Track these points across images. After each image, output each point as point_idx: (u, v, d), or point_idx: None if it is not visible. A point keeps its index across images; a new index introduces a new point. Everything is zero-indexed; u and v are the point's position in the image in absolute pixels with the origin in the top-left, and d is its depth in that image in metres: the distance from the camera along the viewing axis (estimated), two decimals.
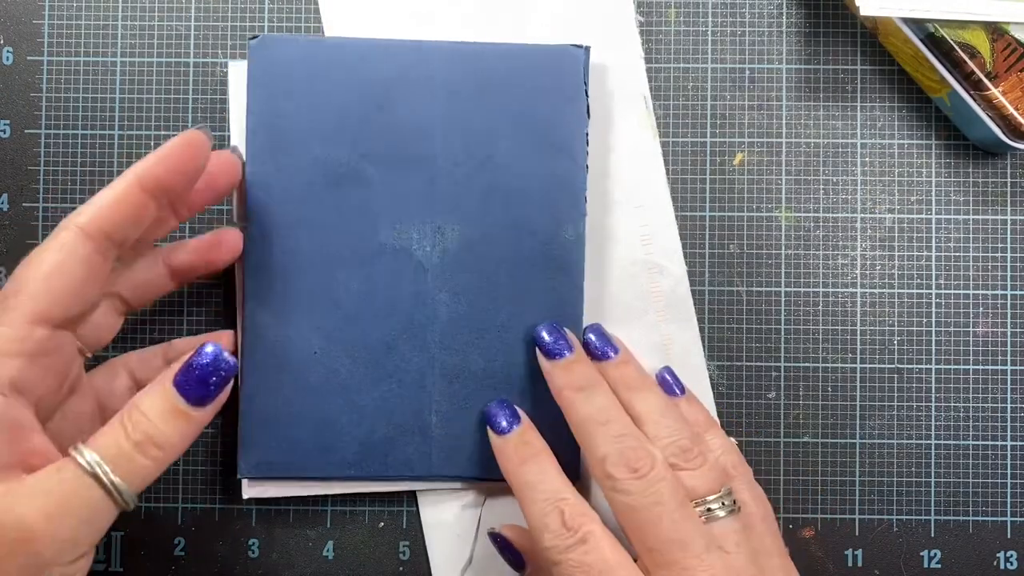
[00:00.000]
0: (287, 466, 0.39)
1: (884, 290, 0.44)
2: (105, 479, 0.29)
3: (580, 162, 0.39)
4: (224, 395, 0.32)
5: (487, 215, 0.39)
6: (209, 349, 0.31)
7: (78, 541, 0.29)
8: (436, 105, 0.39)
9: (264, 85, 0.39)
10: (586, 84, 0.39)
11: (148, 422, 0.30)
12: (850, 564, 0.43)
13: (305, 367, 0.39)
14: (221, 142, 0.44)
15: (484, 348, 0.39)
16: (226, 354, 0.32)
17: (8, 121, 0.44)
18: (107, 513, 0.30)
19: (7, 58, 0.44)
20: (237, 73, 0.42)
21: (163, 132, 0.44)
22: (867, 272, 0.44)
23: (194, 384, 0.31)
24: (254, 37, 0.40)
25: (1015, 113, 0.40)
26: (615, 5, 0.43)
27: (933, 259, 0.44)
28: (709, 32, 0.44)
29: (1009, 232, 0.44)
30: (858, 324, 0.43)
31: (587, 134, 0.39)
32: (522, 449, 0.36)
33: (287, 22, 0.44)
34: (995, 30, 0.41)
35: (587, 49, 0.40)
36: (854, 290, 0.43)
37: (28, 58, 0.44)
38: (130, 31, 0.44)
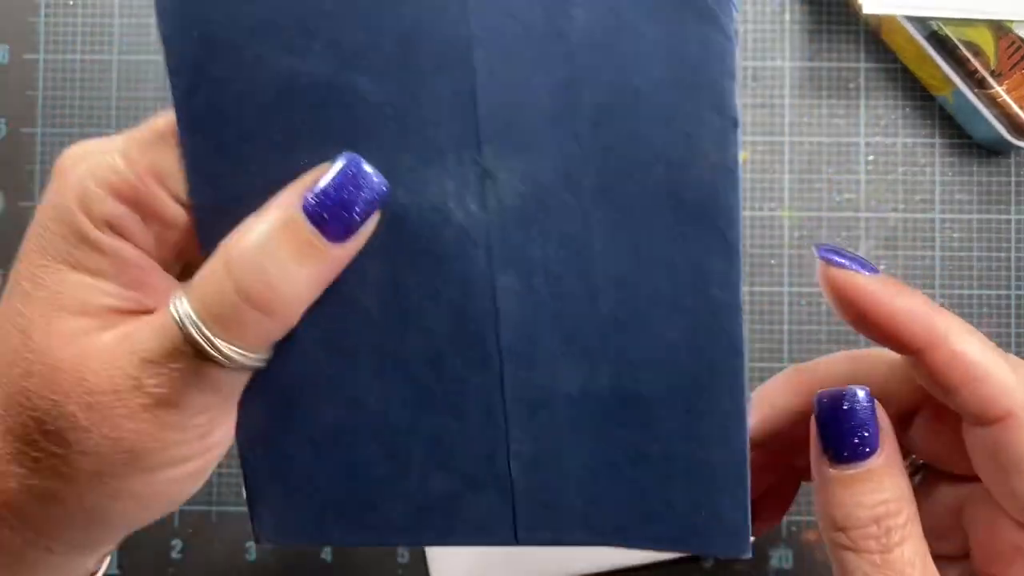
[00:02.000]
0: (317, 531, 0.26)
1: None
2: (203, 342, 0.21)
3: (727, 26, 0.22)
4: (371, 226, 0.23)
5: (565, 137, 0.23)
6: (356, 160, 0.23)
7: (179, 425, 0.22)
8: None
9: None
10: None
11: (267, 262, 0.22)
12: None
13: (317, 397, 0.25)
14: None
15: (580, 357, 0.24)
16: (371, 169, 0.23)
17: (4, 120, 0.43)
18: (216, 385, 0.23)
19: (3, 57, 0.44)
20: None
21: None
22: None
23: (335, 208, 0.22)
24: None
25: (1019, 111, 0.40)
26: None
27: (937, 259, 0.43)
28: None
29: (1014, 231, 0.43)
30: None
31: None
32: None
33: None
34: (999, 28, 0.41)
35: None
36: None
37: (24, 56, 0.44)
38: (126, 29, 0.44)
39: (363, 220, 0.22)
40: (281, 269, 0.22)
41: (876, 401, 0.23)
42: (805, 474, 0.27)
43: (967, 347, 0.23)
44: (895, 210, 0.43)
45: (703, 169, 0.22)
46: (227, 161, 0.23)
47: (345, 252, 0.23)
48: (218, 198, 0.23)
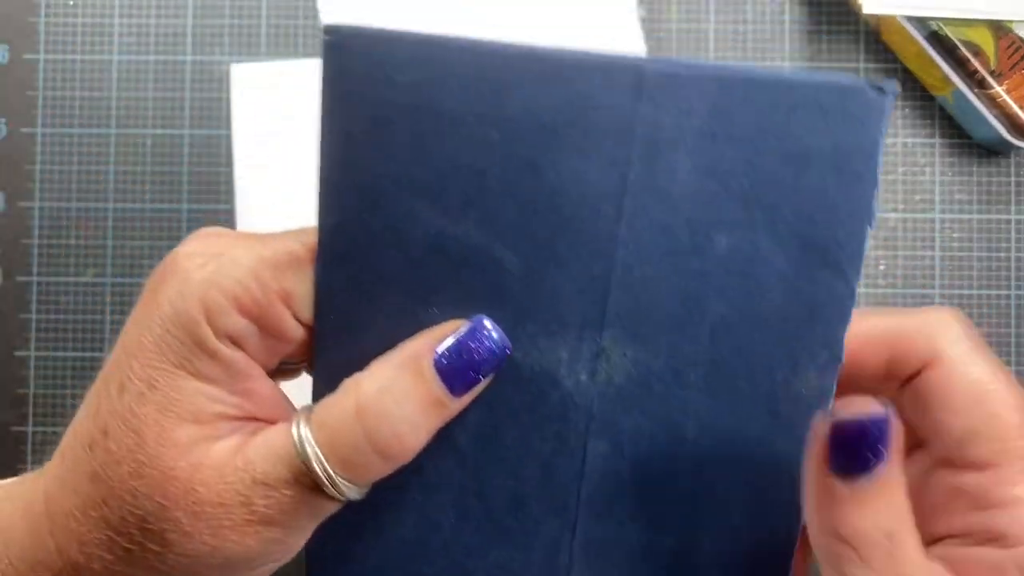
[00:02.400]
0: None
1: (887, 290, 0.43)
2: (325, 479, 0.23)
3: (851, 278, 0.25)
4: (486, 383, 0.25)
5: (683, 339, 0.25)
6: (488, 325, 0.24)
7: (278, 542, 0.24)
8: (624, 163, 0.24)
9: (354, 113, 0.24)
10: (880, 150, 0.24)
11: (395, 411, 0.23)
12: None
13: (396, 516, 0.27)
14: (220, 146, 0.43)
15: (650, 521, 0.26)
16: (497, 332, 0.24)
17: (4, 120, 0.43)
18: (322, 513, 0.24)
19: (3, 56, 0.44)
20: (240, 76, 0.41)
21: (160, 131, 0.43)
22: (870, 272, 0.43)
23: (463, 368, 0.24)
24: (331, 31, 0.24)
25: (1019, 111, 0.40)
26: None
27: (937, 259, 0.43)
28: (711, 28, 0.44)
29: (1014, 232, 0.43)
30: None
31: (868, 233, 0.25)
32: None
33: (286, 20, 0.43)
34: (999, 28, 0.40)
35: (893, 93, 0.24)
36: (857, 289, 0.43)
37: (24, 56, 0.44)
38: (127, 29, 0.44)
39: (485, 379, 0.24)
40: (409, 422, 0.23)
41: (893, 410, 0.23)
42: None
43: (877, 317, 0.25)
44: (895, 210, 0.43)
45: (803, 390, 0.25)
46: (359, 298, 0.25)
47: (462, 404, 0.24)
48: (343, 329, 0.25)
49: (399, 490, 0.26)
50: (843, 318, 0.25)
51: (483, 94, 0.24)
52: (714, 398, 0.25)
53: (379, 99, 0.24)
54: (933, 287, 0.43)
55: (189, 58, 0.44)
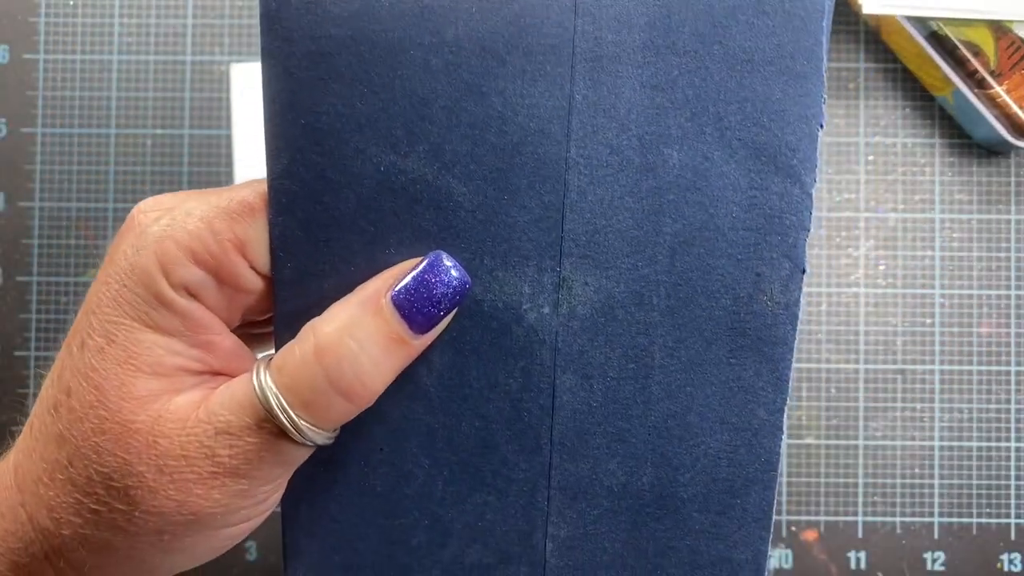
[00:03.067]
0: None
1: (887, 290, 0.43)
2: (288, 423, 0.22)
3: (806, 183, 0.24)
4: (449, 318, 0.24)
5: (642, 261, 0.25)
6: (446, 260, 0.24)
7: (246, 494, 0.23)
8: (568, 83, 0.24)
9: (292, 49, 0.24)
10: (827, 47, 0.24)
11: (356, 352, 0.23)
12: (853, 567, 0.42)
13: (367, 469, 0.26)
14: (220, 146, 0.43)
15: (626, 456, 0.26)
16: (455, 267, 0.24)
17: (4, 120, 0.43)
18: (289, 460, 0.24)
19: (3, 56, 0.44)
20: (239, 75, 0.41)
21: (160, 131, 0.43)
22: (870, 272, 0.43)
23: (422, 304, 0.23)
24: None
25: (1019, 112, 0.40)
26: None
27: (937, 259, 0.43)
28: None
29: (1013, 231, 0.43)
30: (861, 324, 0.43)
31: (820, 137, 0.24)
32: None
33: None
34: (999, 28, 0.40)
35: None
36: (857, 290, 0.43)
37: (24, 56, 0.44)
38: (127, 29, 0.44)
39: (446, 315, 0.24)
40: (370, 360, 0.23)
41: None
42: None
43: None
44: (895, 210, 0.43)
45: (766, 306, 0.25)
46: (314, 243, 0.24)
47: (424, 342, 0.24)
48: (301, 276, 0.25)
49: (368, 441, 0.26)
50: (802, 226, 0.24)
51: (421, 21, 0.24)
52: (678, 320, 0.25)
53: (317, 33, 0.24)
54: (933, 287, 0.43)
55: (189, 58, 0.44)
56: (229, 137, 0.43)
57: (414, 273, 0.23)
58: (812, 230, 0.25)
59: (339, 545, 0.27)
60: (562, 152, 0.24)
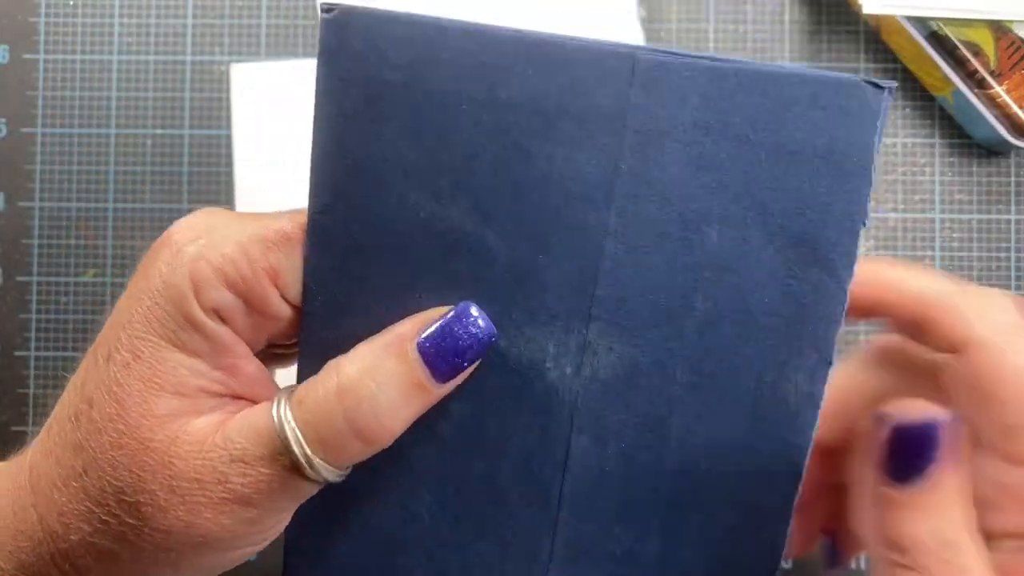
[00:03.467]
0: None
1: None
2: (303, 460, 0.23)
3: (843, 278, 0.24)
4: (470, 370, 0.24)
5: (670, 333, 0.25)
6: (474, 312, 0.24)
7: (254, 522, 0.23)
8: (616, 152, 0.24)
9: (347, 89, 0.24)
10: (875, 149, 0.24)
11: (376, 394, 0.23)
12: (853, 566, 0.42)
13: (375, 507, 0.26)
14: (220, 146, 0.43)
15: (633, 523, 0.26)
16: (483, 319, 0.24)
17: (4, 120, 0.43)
18: (299, 495, 0.24)
19: (3, 56, 0.44)
20: (240, 75, 0.41)
21: (160, 131, 0.43)
22: None
23: (447, 354, 0.23)
24: (330, 9, 0.24)
25: (1019, 111, 0.40)
26: None
27: (937, 259, 0.43)
28: (711, 29, 0.44)
29: (1014, 232, 0.43)
30: (862, 324, 0.43)
31: (862, 233, 0.24)
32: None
33: (286, 20, 0.43)
34: (999, 28, 0.40)
35: (890, 90, 0.24)
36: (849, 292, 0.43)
37: (24, 56, 0.44)
38: (127, 29, 0.44)
39: (470, 365, 0.24)
40: (389, 404, 0.23)
41: (956, 415, 0.22)
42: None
43: (911, 281, 0.24)
44: (895, 210, 0.43)
45: (790, 394, 0.24)
46: (347, 280, 0.25)
47: (445, 390, 0.24)
48: (330, 311, 0.25)
49: (379, 479, 0.26)
50: (834, 319, 0.24)
51: (477, 77, 0.24)
52: (699, 397, 0.25)
53: (373, 78, 0.24)
54: None
55: (189, 58, 0.44)
56: (229, 137, 0.43)
57: (442, 322, 0.24)
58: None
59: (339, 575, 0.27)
60: (602, 219, 0.24)
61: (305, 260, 0.24)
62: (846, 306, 0.24)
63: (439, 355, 0.23)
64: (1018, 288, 0.43)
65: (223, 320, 0.24)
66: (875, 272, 0.25)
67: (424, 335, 0.23)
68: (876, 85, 0.23)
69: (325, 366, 0.24)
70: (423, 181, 0.24)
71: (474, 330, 0.24)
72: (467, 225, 0.24)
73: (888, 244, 0.43)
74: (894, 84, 0.24)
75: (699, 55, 0.24)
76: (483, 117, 0.24)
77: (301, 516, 0.26)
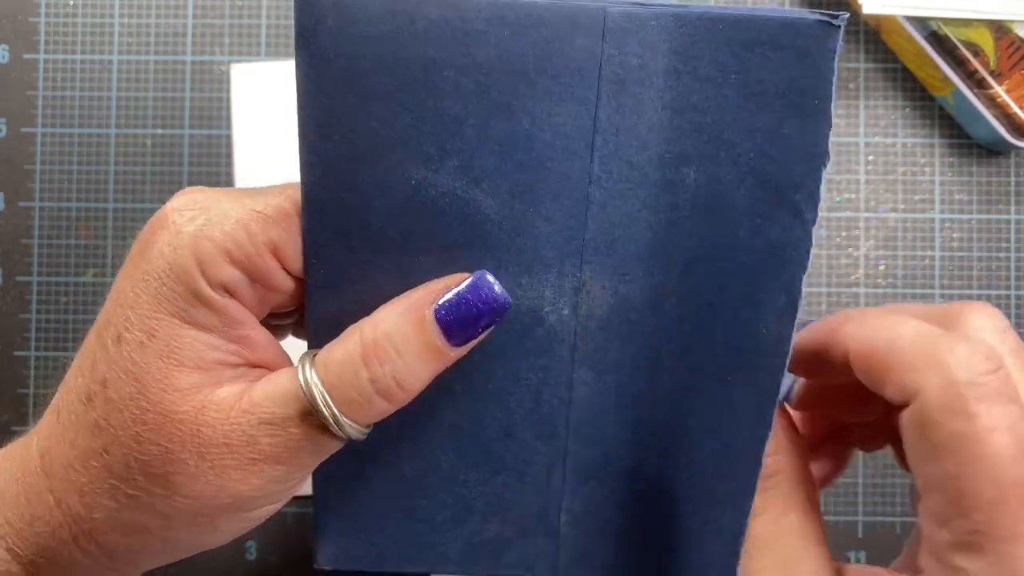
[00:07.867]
0: (376, 559, 0.30)
1: (887, 290, 0.43)
2: (330, 418, 0.24)
3: (807, 220, 0.25)
4: (485, 335, 0.25)
5: (657, 269, 0.26)
6: (490, 280, 0.25)
7: (282, 479, 0.25)
8: (593, 104, 0.25)
9: (327, 68, 0.25)
10: (833, 87, 0.24)
11: (396, 358, 0.24)
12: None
13: (396, 457, 0.28)
14: (220, 146, 0.43)
15: (635, 445, 0.28)
16: (499, 288, 0.25)
17: (4, 120, 0.43)
18: (326, 451, 0.25)
19: (3, 56, 0.44)
20: (240, 75, 0.41)
21: (160, 131, 0.43)
22: (870, 272, 0.43)
23: (463, 321, 0.24)
24: None
25: (1019, 111, 0.40)
26: None
27: (937, 259, 0.43)
28: None
29: (1013, 232, 0.43)
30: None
31: (823, 174, 0.25)
32: None
33: (286, 20, 0.43)
34: (999, 28, 0.40)
35: (841, 26, 0.25)
36: (857, 290, 0.43)
37: (24, 56, 0.44)
38: (127, 29, 0.44)
39: (484, 331, 0.25)
40: (407, 367, 0.24)
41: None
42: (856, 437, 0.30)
43: (855, 329, 0.24)
44: (895, 210, 0.43)
45: (760, 332, 0.26)
46: (346, 250, 0.26)
47: (460, 353, 0.25)
48: (333, 281, 0.26)
49: (398, 432, 0.27)
50: (800, 262, 0.25)
51: (455, 43, 0.24)
52: (685, 329, 0.26)
53: (352, 52, 0.24)
54: (933, 287, 0.43)
55: (189, 58, 0.44)
56: (229, 137, 0.43)
57: (458, 289, 0.25)
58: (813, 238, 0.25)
59: (367, 525, 0.29)
60: (586, 168, 0.25)
61: (303, 234, 0.25)
62: (811, 249, 0.25)
63: (454, 322, 0.24)
64: (1018, 288, 0.43)
65: (231, 295, 0.24)
66: (825, 326, 0.26)
67: (441, 302, 0.24)
68: (829, 23, 0.24)
69: (347, 330, 0.25)
70: (411, 149, 0.25)
71: (489, 298, 0.25)
72: (457, 187, 0.25)
73: (888, 244, 0.43)
74: (846, 15, 0.24)
75: (667, 3, 0.24)
76: (463, 81, 0.25)
77: (327, 474, 0.27)
